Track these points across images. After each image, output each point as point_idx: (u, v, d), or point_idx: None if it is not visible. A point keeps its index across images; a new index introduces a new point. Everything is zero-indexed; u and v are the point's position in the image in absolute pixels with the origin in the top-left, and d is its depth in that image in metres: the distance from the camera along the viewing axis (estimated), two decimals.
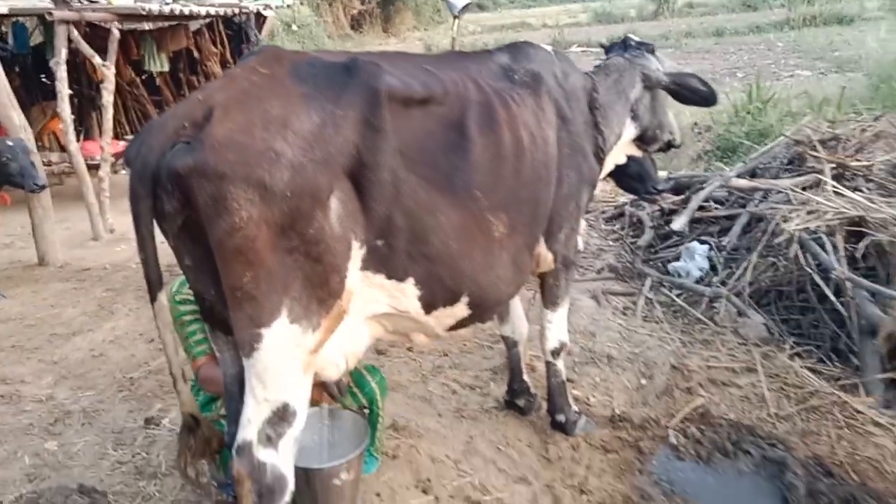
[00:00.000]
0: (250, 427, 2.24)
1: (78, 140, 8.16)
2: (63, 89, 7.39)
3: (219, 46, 11.76)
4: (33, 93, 11.09)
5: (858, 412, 3.56)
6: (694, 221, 5.64)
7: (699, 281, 5.02)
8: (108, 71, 7.56)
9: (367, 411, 3.12)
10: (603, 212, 7.19)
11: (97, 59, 7.55)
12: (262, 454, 2.25)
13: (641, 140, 3.83)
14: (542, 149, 2.87)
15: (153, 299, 2.21)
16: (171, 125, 2.06)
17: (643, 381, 4.08)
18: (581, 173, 3.18)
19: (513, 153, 2.71)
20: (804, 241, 4.16)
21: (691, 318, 4.71)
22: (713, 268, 5.08)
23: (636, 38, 3.86)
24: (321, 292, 2.23)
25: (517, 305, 3.73)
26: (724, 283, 4.78)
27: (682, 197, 5.93)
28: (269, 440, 2.26)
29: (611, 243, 6.37)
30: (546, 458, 3.50)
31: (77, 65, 10.52)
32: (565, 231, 3.20)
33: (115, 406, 4.08)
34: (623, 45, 3.85)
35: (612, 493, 3.24)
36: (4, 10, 8.10)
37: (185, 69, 11.84)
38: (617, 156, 3.86)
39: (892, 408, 3.59)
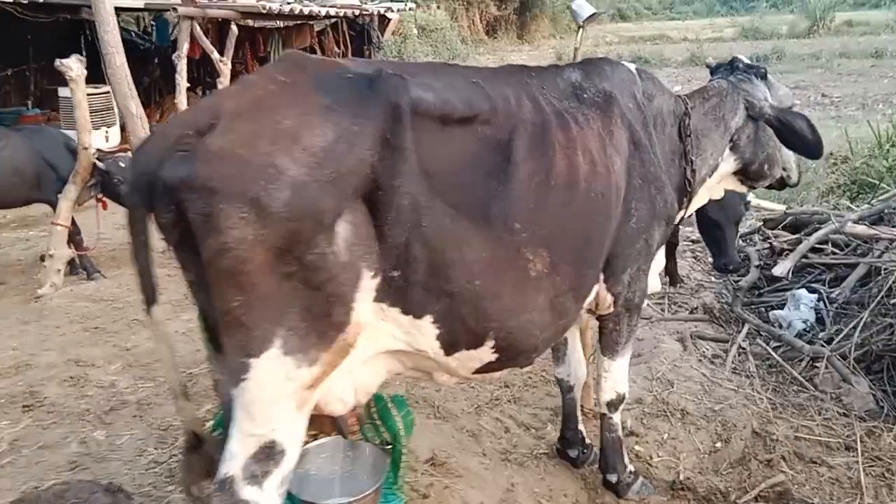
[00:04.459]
0: (234, 462, 2.07)
1: None
2: (181, 82, 7.72)
3: (341, 46, 12.00)
4: (170, 83, 11.79)
5: None
6: (807, 265, 5.03)
7: (801, 335, 4.41)
8: (224, 66, 7.80)
9: (389, 447, 2.90)
10: None
11: (215, 55, 7.82)
12: (246, 492, 2.07)
13: (745, 175, 3.43)
14: (603, 178, 2.55)
15: (148, 313, 2.11)
16: (173, 133, 1.93)
17: (717, 445, 3.61)
18: (654, 207, 2.82)
19: (565, 182, 2.41)
20: None
21: (787, 376, 4.15)
22: (820, 321, 4.47)
23: (745, 60, 3.44)
24: (322, 324, 2.03)
25: (576, 346, 3.39)
26: (829, 341, 4.19)
27: (796, 237, 5.31)
28: (254, 478, 2.08)
29: (713, 280, 5.82)
30: None
31: (209, 60, 11.11)
32: (630, 271, 2.84)
33: (167, 401, 4.09)
34: (730, 66, 3.45)
35: None
36: (140, 4, 8.63)
37: None
38: (714, 189, 3.49)
39: None
